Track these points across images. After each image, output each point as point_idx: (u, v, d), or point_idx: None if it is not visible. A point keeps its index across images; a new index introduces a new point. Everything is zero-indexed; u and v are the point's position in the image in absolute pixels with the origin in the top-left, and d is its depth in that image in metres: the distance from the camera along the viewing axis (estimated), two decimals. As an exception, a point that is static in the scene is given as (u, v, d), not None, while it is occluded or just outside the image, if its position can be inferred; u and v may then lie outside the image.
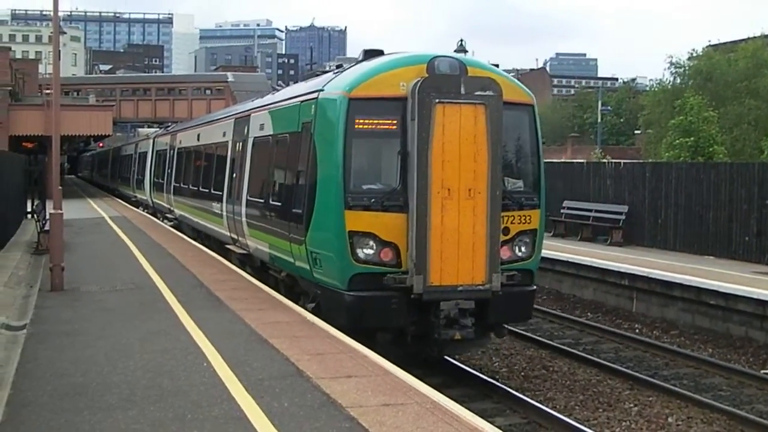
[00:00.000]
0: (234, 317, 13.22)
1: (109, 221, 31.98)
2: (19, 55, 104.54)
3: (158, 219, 33.71)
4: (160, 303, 14.52)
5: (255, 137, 18.36)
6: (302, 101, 14.94)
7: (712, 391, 14.47)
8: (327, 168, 13.27)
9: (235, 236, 19.50)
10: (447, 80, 12.82)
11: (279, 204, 15.70)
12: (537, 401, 13.21)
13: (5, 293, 16.12)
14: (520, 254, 13.61)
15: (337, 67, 15.60)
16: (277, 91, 20.46)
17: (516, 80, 14.49)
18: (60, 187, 17.83)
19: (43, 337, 11.98)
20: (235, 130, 20.46)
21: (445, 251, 12.66)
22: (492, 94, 12.83)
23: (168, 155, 31.92)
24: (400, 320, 12.94)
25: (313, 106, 14.06)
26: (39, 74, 72.74)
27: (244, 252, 18.96)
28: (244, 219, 18.35)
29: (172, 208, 30.85)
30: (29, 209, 32.32)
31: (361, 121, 13.04)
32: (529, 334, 18.17)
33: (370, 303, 12.91)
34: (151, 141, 38.51)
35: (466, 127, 12.73)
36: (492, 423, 8.99)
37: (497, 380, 14.45)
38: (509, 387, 13.94)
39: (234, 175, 19.71)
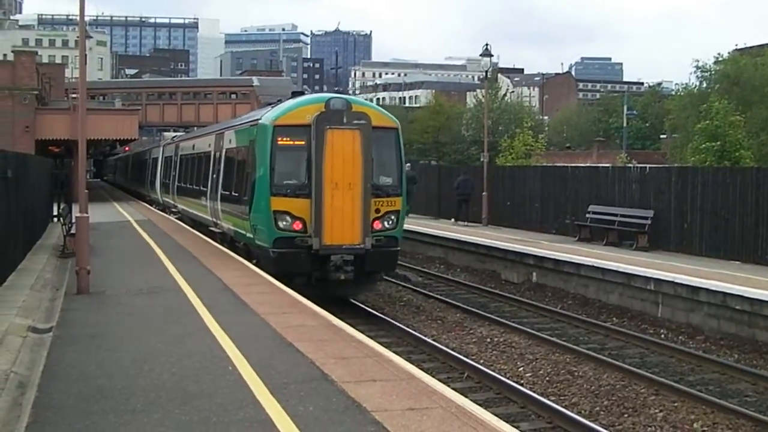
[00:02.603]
0: (259, 321, 13.28)
1: (135, 224, 32.18)
2: (45, 60, 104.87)
3: (166, 213, 39.31)
4: (186, 306, 14.60)
5: (226, 148, 25.28)
6: (250, 125, 22.03)
7: (738, 397, 14.35)
8: (261, 170, 19.89)
9: (215, 221, 26.61)
10: (336, 114, 19.33)
11: (237, 195, 22.43)
12: (562, 406, 13.17)
13: (31, 296, 16.22)
14: (388, 226, 20.15)
15: (278, 101, 22.66)
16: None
17: (386, 112, 21.44)
18: (86, 191, 17.91)
19: (69, 340, 12.07)
20: (215, 143, 27.41)
21: (333, 222, 19.11)
22: (364, 122, 19.35)
23: (173, 161, 38.76)
24: (307, 268, 19.34)
25: (255, 129, 20.95)
26: (65, 78, 72.80)
27: (221, 231, 25.80)
28: (219, 207, 25.41)
29: (176, 204, 37.38)
30: (55, 212, 32.55)
31: (282, 140, 19.64)
32: (554, 339, 18.12)
33: (287, 257, 19.36)
34: (161, 148, 44.64)
35: (347, 144, 19.20)
36: (517, 428, 8.97)
37: (522, 385, 14.43)
38: (534, 391, 13.92)
39: (214, 176, 26.60)
